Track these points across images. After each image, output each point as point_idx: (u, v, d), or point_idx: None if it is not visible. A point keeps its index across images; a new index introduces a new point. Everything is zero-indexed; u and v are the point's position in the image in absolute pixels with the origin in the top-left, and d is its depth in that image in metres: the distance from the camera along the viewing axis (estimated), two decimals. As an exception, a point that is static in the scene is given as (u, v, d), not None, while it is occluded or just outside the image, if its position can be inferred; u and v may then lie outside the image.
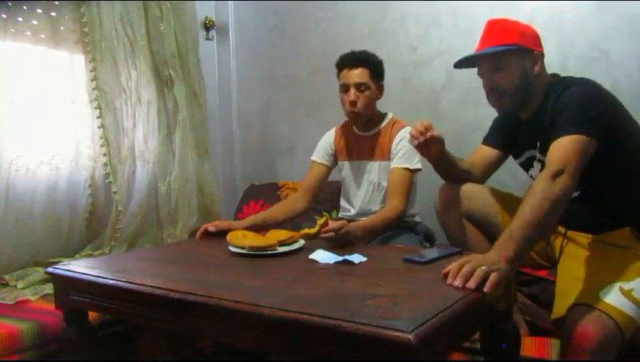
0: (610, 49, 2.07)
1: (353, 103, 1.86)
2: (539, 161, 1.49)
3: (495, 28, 1.46)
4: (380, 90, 1.93)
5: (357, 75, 1.85)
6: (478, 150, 1.69)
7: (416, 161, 1.87)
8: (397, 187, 1.84)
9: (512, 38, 1.42)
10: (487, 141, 1.68)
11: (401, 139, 1.88)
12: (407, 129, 1.88)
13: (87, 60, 2.28)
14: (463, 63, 1.52)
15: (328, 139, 2.07)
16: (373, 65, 1.88)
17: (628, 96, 1.87)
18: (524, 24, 1.47)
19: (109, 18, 2.31)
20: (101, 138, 2.31)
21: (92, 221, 2.34)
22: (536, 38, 1.47)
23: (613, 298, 1.20)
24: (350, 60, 1.87)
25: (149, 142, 2.46)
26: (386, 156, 1.92)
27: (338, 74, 1.92)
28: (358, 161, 1.99)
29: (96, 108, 2.29)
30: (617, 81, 2.00)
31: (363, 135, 1.98)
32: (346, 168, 2.04)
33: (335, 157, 2.06)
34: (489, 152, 1.66)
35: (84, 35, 2.26)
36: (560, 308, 1.27)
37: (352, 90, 1.85)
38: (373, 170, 1.96)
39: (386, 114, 1.99)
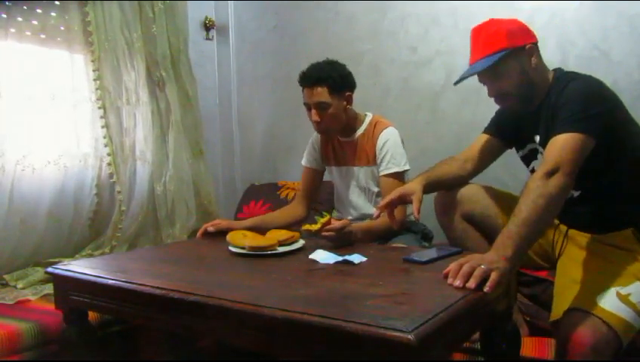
0: (610, 49, 2.07)
1: (317, 123, 1.84)
2: (542, 153, 1.48)
3: (481, 36, 1.44)
4: (347, 100, 1.87)
5: (315, 94, 1.80)
6: (478, 139, 1.67)
7: (404, 163, 1.85)
8: None
9: (500, 43, 1.40)
10: (488, 130, 1.66)
11: (384, 142, 1.85)
12: (390, 130, 1.88)
13: (90, 60, 2.29)
14: (462, 79, 1.51)
15: (314, 142, 2.06)
16: (332, 81, 1.80)
17: (628, 96, 1.87)
18: (507, 21, 1.45)
19: (113, 18, 2.31)
20: (104, 137, 2.31)
21: (95, 221, 2.34)
22: (523, 31, 1.45)
23: (610, 303, 1.19)
24: (306, 80, 1.82)
25: (149, 143, 2.46)
26: (372, 161, 1.89)
27: (302, 91, 1.87)
28: (345, 166, 1.98)
29: (99, 107, 2.30)
30: (617, 80, 2.00)
31: (345, 140, 1.96)
32: (334, 173, 2.04)
33: (322, 162, 2.05)
34: (489, 141, 1.64)
35: (88, 35, 2.26)
36: (558, 310, 1.26)
37: (313, 110, 1.82)
38: (360, 175, 1.94)
39: (365, 115, 1.96)
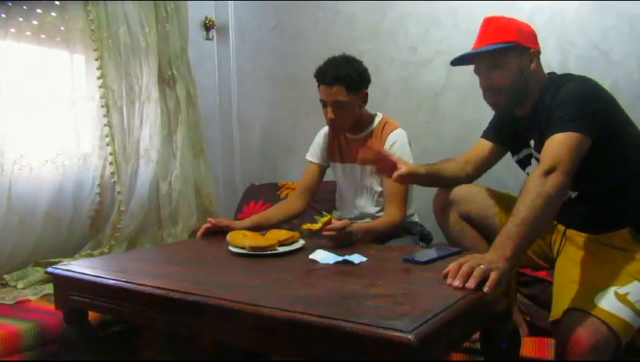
0: (610, 49, 2.07)
1: (332, 120, 1.84)
2: (536, 158, 1.49)
3: (491, 25, 1.45)
4: (363, 98, 1.87)
5: (333, 92, 1.79)
6: (476, 143, 1.69)
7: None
8: (395, 194, 1.81)
9: (508, 35, 1.41)
10: (486, 135, 1.67)
11: (392, 143, 1.85)
12: (399, 131, 1.88)
13: (92, 59, 2.28)
14: (460, 61, 1.52)
15: (321, 138, 2.05)
16: (349, 80, 1.79)
17: (628, 96, 1.88)
18: (520, 21, 1.47)
19: (116, 16, 2.32)
20: (107, 137, 2.31)
21: (96, 220, 2.34)
22: (532, 36, 1.47)
23: (609, 303, 1.20)
24: (324, 77, 1.81)
25: (154, 141, 2.46)
26: None
27: (318, 86, 1.86)
28: (350, 164, 1.98)
29: (102, 106, 2.30)
30: (617, 80, 2.00)
31: (353, 138, 1.96)
32: (338, 170, 2.04)
33: (328, 157, 2.05)
34: (487, 146, 1.65)
35: (91, 34, 2.26)
36: (557, 310, 1.26)
37: (329, 108, 1.82)
38: (365, 174, 1.94)
39: (375, 115, 1.96)
